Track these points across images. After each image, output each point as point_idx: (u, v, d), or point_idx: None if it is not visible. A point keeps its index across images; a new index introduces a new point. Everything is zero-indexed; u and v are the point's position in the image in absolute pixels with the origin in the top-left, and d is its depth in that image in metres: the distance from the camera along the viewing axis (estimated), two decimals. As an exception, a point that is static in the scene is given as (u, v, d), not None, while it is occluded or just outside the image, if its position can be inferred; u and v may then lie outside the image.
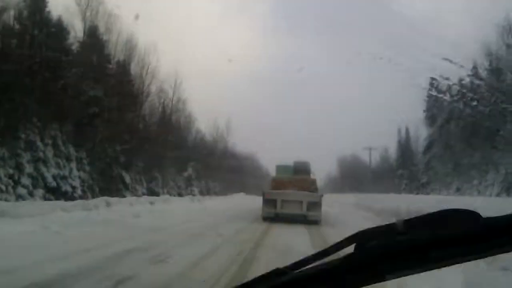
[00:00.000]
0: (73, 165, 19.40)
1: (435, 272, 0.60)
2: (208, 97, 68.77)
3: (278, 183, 13.69)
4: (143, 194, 26.79)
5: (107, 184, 22.66)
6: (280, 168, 14.96)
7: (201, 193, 40.57)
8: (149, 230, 8.36)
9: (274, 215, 12.17)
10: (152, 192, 28.87)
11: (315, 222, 11.76)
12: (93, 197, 19.36)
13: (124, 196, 21.90)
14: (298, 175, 14.12)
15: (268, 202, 12.20)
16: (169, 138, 33.19)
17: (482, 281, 4.33)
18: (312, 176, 14.74)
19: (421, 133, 45.46)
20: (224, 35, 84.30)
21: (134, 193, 26.18)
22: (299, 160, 15.24)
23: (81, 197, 18.73)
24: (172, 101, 34.50)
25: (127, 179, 23.52)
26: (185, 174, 37.87)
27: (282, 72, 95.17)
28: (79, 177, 19.83)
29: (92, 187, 21.33)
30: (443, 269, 0.59)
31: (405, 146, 52.95)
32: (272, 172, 16.57)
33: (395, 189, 47.13)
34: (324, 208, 12.91)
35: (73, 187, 18.94)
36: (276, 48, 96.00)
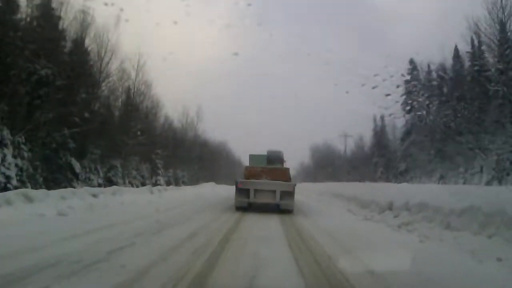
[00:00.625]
0: (8, 151, 16.35)
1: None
2: (177, 83, 65.35)
3: (251, 173, 13.25)
4: (99, 185, 23.98)
5: (53, 173, 19.70)
6: (253, 158, 14.76)
7: (169, 183, 37.88)
8: (56, 240, 5.75)
9: (247, 205, 12.14)
10: (110, 183, 26.01)
11: (288, 211, 11.90)
12: (36, 188, 16.54)
13: (74, 188, 19.14)
14: (271, 165, 14.04)
15: (241, 191, 12.01)
16: (132, 123, 30.14)
17: None
18: (285, 166, 14.70)
19: (398, 120, 44.02)
20: (192, 18, 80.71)
21: (89, 184, 23.30)
22: (272, 150, 15.15)
23: (18, 189, 15.85)
24: (135, 83, 31.32)
25: (77, 168, 20.54)
26: (150, 162, 34.97)
27: (254, 60, 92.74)
28: (16, 165, 16.80)
29: (34, 177, 18.34)
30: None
31: (380, 134, 51.62)
32: (245, 161, 16.48)
33: (370, 177, 45.78)
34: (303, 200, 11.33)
35: (7, 177, 15.94)
36: (247, 36, 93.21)
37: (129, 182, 29.64)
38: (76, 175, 20.61)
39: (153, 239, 6.34)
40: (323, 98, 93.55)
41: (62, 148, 19.92)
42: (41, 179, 18.56)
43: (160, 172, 36.55)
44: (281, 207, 12.00)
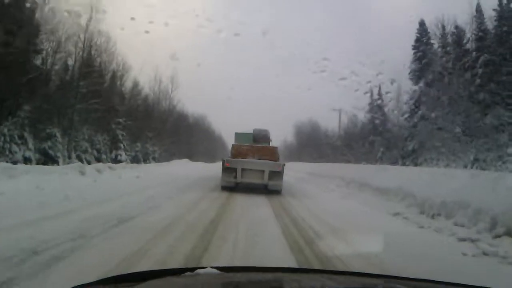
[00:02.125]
0: None
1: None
2: (149, 46, 58.10)
3: (239, 151, 12.68)
4: (26, 159, 17.77)
5: None
6: (239, 136, 14.43)
7: (136, 159, 31.74)
8: None
9: (234, 184, 11.80)
10: (46, 157, 19.80)
11: (276, 192, 11.68)
12: None
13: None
14: (257, 143, 13.71)
15: (228, 170, 11.61)
16: (82, 83, 23.60)
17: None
18: (271, 145, 14.37)
19: (404, 91, 38.18)
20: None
21: (10, 158, 17.08)
22: (258, 128, 14.85)
23: None
24: (86, 30, 24.55)
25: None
26: (109, 134, 28.56)
27: (237, 27, 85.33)
28: None
29: None
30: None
31: (378, 108, 45.98)
32: (226, 137, 15.24)
33: (368, 158, 40.49)
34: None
35: None
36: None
37: (77, 157, 23.34)
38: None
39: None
40: (310, 72, 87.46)
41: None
42: None
43: (122, 145, 30.13)
44: (269, 188, 11.66)
